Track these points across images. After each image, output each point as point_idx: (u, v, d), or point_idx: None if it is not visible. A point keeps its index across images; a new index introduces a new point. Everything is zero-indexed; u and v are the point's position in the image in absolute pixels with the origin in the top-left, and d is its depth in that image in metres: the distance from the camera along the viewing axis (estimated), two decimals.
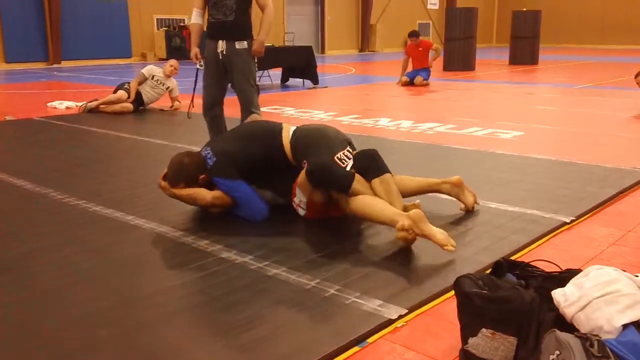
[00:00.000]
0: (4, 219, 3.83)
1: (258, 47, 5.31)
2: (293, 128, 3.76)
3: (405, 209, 3.32)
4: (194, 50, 5.38)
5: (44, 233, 3.54)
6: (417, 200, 3.53)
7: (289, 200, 3.73)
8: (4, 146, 6.38)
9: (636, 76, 8.69)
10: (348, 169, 3.39)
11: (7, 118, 8.17)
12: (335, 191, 3.46)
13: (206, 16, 5.39)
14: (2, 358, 2.20)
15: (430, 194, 3.95)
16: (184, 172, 3.72)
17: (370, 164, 3.38)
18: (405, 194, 3.67)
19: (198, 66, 5.45)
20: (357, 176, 3.37)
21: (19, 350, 2.25)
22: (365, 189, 3.33)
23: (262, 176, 3.74)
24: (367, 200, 3.28)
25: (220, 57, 5.28)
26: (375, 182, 3.30)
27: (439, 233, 3.03)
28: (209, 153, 3.74)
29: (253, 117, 4.29)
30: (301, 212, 3.65)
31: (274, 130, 3.76)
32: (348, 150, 3.51)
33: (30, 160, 5.58)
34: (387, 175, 3.36)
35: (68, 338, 2.33)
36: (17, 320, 2.48)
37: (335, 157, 3.43)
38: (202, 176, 3.73)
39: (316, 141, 3.59)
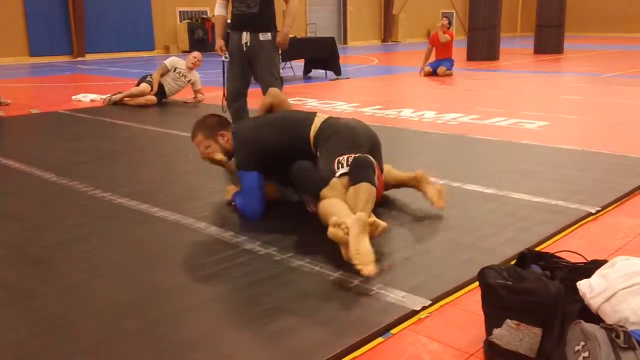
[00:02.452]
0: (32, 212, 3.88)
1: (282, 39, 5.31)
2: (324, 119, 3.73)
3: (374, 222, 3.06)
4: (219, 42, 5.39)
5: (71, 225, 3.58)
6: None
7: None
8: (30, 139, 6.46)
9: None
10: (338, 174, 3.31)
11: (33, 111, 8.27)
12: (306, 194, 3.55)
13: (230, 8, 5.40)
14: (31, 348, 2.24)
15: (456, 185, 3.92)
16: (205, 122, 3.83)
17: (354, 172, 3.28)
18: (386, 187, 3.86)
19: (223, 58, 5.45)
20: (335, 183, 3.28)
21: (47, 341, 2.28)
22: (336, 195, 3.24)
23: (284, 167, 3.72)
24: (325, 202, 3.20)
25: (244, 49, 5.29)
26: (351, 189, 3.20)
27: (363, 249, 2.75)
28: (234, 134, 3.80)
29: (272, 92, 4.24)
30: (310, 209, 3.60)
31: (306, 121, 3.73)
32: (354, 156, 3.39)
33: (56, 153, 5.64)
34: (364, 184, 3.20)
35: (95, 329, 2.36)
36: (46, 312, 2.52)
37: (337, 160, 3.37)
38: (221, 132, 3.79)
39: (331, 139, 3.56)
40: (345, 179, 3.27)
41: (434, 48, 12.66)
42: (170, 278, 2.83)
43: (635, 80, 11.07)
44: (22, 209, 3.95)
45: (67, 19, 20.20)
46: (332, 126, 3.66)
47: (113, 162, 5.19)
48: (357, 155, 3.37)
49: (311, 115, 3.78)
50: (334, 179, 3.28)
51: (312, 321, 2.38)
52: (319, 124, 3.68)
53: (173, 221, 3.61)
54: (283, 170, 3.69)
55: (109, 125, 7.10)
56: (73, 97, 9.54)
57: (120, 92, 8.93)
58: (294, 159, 3.61)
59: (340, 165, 3.34)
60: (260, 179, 3.65)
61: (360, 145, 3.51)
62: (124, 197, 4.07)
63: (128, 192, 4.20)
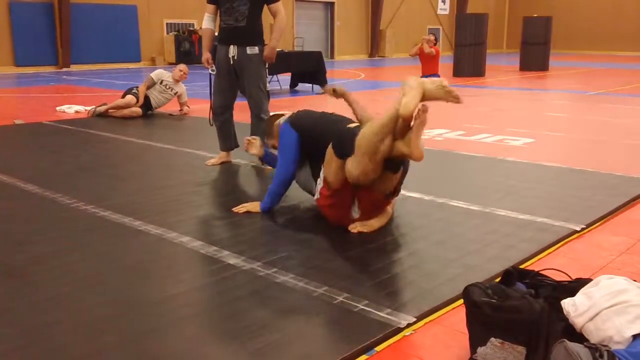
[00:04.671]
0: (12, 224, 3.83)
1: (269, 52, 5.31)
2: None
3: None
4: (206, 55, 5.39)
5: (52, 238, 3.54)
6: None
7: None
8: (12, 150, 6.40)
9: None
10: None
11: (17, 122, 8.21)
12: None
13: (218, 21, 5.40)
14: None
15: (441, 201, 3.92)
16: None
17: None
18: None
19: (210, 71, 5.45)
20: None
21: (27, 356, 2.24)
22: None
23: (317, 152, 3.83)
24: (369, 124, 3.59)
25: (231, 62, 5.28)
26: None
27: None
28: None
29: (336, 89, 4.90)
30: (315, 195, 3.75)
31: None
32: None
33: (38, 164, 5.60)
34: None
35: (75, 344, 2.33)
36: (25, 326, 2.48)
37: None
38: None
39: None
40: None
41: (419, 59, 12.80)
42: (152, 292, 2.80)
43: (620, 99, 11.16)
44: (2, 220, 3.90)
45: (53, 29, 20.11)
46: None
47: (97, 175, 5.14)
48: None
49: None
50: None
51: (295, 338, 2.36)
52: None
53: (156, 235, 3.58)
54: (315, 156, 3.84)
55: (93, 137, 7.06)
56: (57, 108, 9.46)
57: (105, 104, 8.88)
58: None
59: None
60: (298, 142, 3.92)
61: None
62: (107, 210, 4.03)
63: (111, 204, 4.16)
